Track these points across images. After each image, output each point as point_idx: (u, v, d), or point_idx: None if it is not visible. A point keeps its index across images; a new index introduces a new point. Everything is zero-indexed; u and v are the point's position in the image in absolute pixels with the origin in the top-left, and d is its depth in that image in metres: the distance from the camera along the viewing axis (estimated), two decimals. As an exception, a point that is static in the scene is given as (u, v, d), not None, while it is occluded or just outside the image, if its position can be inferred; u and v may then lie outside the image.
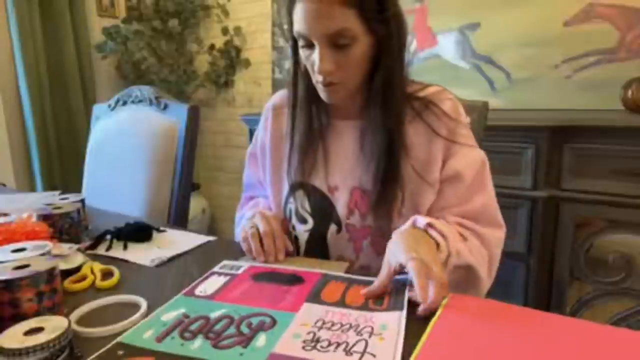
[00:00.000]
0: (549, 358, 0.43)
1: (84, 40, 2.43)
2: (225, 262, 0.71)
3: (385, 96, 0.71)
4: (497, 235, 0.74)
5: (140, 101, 1.34)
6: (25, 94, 2.20)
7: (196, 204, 2.58)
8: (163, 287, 0.64)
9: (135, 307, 0.57)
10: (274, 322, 0.51)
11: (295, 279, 0.63)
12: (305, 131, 0.79)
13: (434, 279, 0.53)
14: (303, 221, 0.82)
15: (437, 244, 0.62)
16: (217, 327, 0.50)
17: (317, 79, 0.70)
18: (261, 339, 0.48)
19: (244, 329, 0.50)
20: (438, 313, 0.51)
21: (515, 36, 1.77)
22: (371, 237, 0.76)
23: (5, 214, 0.88)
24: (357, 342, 0.47)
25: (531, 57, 1.75)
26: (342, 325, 0.50)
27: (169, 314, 0.54)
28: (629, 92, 1.43)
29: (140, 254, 0.77)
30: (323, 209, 0.80)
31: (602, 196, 1.32)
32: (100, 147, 1.39)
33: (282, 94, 0.88)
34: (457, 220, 0.72)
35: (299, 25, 0.66)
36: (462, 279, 0.67)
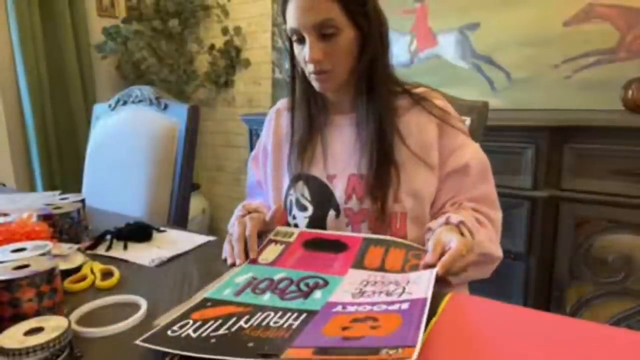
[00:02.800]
0: (549, 358, 0.43)
1: (84, 40, 2.43)
2: (278, 228, 0.80)
3: (372, 85, 0.79)
4: (500, 216, 0.82)
5: (140, 101, 1.34)
6: (25, 94, 2.20)
7: (196, 204, 2.58)
8: (163, 287, 0.64)
9: (135, 307, 0.57)
10: (326, 282, 0.62)
11: (340, 246, 0.72)
12: (304, 127, 0.85)
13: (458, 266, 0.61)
14: (303, 209, 0.85)
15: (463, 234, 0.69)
16: (281, 286, 0.61)
17: (309, 69, 0.77)
18: (318, 294, 0.59)
19: (303, 287, 0.61)
20: (438, 313, 0.51)
21: (515, 36, 1.77)
22: (368, 221, 0.79)
23: (5, 214, 0.88)
24: (395, 289, 0.57)
25: (531, 57, 1.75)
26: (383, 282, 0.60)
27: (240, 277, 0.65)
28: (629, 92, 1.43)
29: (140, 254, 0.77)
30: (322, 196, 0.84)
31: (602, 196, 1.32)
32: (100, 147, 1.39)
33: (284, 100, 0.95)
34: (472, 206, 0.78)
35: (290, 21, 0.75)
36: (480, 261, 0.73)
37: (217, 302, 0.57)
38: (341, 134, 0.84)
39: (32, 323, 0.46)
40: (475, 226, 0.72)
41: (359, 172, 0.81)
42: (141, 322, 0.54)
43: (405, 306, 0.51)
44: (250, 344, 0.46)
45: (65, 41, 2.33)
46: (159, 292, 0.63)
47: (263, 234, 0.82)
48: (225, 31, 2.56)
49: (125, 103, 1.38)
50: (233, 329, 0.49)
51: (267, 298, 0.58)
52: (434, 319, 0.50)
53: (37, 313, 0.51)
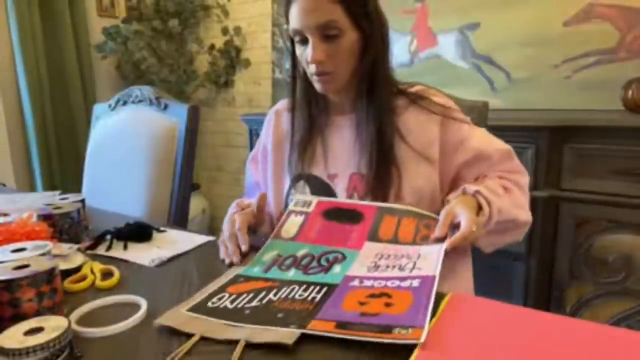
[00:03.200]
0: (549, 358, 0.43)
1: (84, 40, 2.43)
2: (297, 197, 0.82)
3: (372, 86, 0.79)
4: (527, 180, 0.82)
5: (140, 101, 1.34)
6: (25, 94, 2.20)
7: (196, 204, 2.58)
8: (163, 287, 0.64)
9: (135, 307, 0.57)
10: (344, 257, 0.67)
11: (356, 216, 0.75)
12: (305, 128, 0.86)
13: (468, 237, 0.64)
14: None
15: (480, 207, 0.70)
16: (304, 262, 0.67)
17: (311, 70, 0.77)
18: (337, 268, 0.65)
19: (323, 262, 0.67)
20: (438, 313, 0.51)
21: (515, 36, 1.77)
22: None
23: (5, 214, 0.88)
24: (407, 263, 0.62)
25: (531, 57, 1.75)
26: (396, 256, 0.65)
27: (267, 255, 0.71)
28: (629, 92, 1.43)
29: (140, 254, 0.77)
30: (324, 195, 0.84)
31: (602, 196, 1.32)
32: (100, 147, 1.39)
33: (284, 100, 0.95)
34: (498, 175, 0.79)
35: (294, 22, 0.75)
36: (507, 227, 0.75)
37: (248, 278, 0.64)
38: (341, 134, 0.85)
39: (32, 323, 0.46)
40: (496, 193, 0.73)
41: (359, 172, 0.81)
42: (141, 322, 0.54)
43: (415, 283, 0.57)
44: (280, 315, 0.53)
45: (65, 41, 2.33)
46: (159, 292, 0.63)
47: (256, 227, 0.84)
48: (225, 31, 2.57)
49: (125, 103, 1.38)
50: (264, 301, 0.57)
51: (292, 274, 0.64)
52: (434, 319, 0.50)
53: (37, 313, 0.51)
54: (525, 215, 0.77)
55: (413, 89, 0.83)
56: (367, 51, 0.77)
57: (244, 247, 0.72)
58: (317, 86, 0.80)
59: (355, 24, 0.75)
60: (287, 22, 0.78)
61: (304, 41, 0.76)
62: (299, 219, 0.77)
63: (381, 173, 0.78)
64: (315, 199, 0.80)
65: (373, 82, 0.79)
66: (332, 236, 0.73)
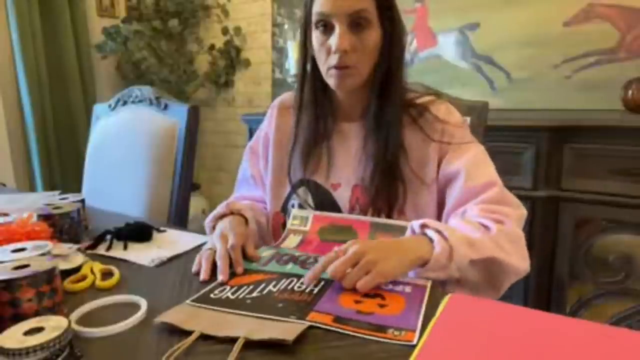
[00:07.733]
0: (549, 358, 0.43)
1: (84, 40, 2.44)
2: (294, 213, 0.83)
3: (385, 93, 0.77)
4: (520, 213, 0.76)
5: (140, 101, 1.34)
6: (25, 94, 2.21)
7: (196, 204, 2.58)
8: (163, 287, 0.64)
9: (135, 307, 0.57)
10: None
11: (351, 234, 0.77)
12: (310, 132, 0.83)
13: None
14: None
15: (431, 240, 0.64)
16: (301, 259, 0.70)
17: (330, 62, 0.74)
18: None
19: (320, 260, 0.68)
20: (438, 313, 0.51)
21: (515, 36, 1.77)
22: None
23: (5, 214, 0.88)
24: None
25: (531, 57, 1.75)
26: None
27: (266, 252, 0.73)
28: (629, 92, 1.43)
29: (140, 254, 0.77)
30: (326, 204, 0.83)
31: (602, 196, 1.32)
32: (100, 147, 1.39)
33: (289, 94, 0.92)
34: (480, 207, 0.71)
35: (322, 6, 0.72)
36: (487, 273, 0.67)
37: (247, 271, 0.66)
38: (348, 142, 0.83)
39: (32, 323, 0.46)
40: (459, 225, 0.67)
41: (363, 184, 0.79)
42: (141, 322, 0.54)
43: (408, 289, 0.59)
44: (280, 305, 0.55)
45: (65, 41, 2.33)
46: (159, 292, 0.63)
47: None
48: (225, 31, 2.57)
49: (125, 103, 1.38)
50: (264, 292, 0.59)
51: (290, 267, 0.67)
52: (434, 319, 0.50)
53: (37, 313, 0.51)
54: (514, 257, 0.68)
55: (421, 100, 0.80)
56: (386, 52, 0.76)
57: (239, 269, 0.66)
58: (332, 81, 0.76)
59: (380, 20, 0.74)
60: (309, 6, 0.75)
61: (327, 29, 0.73)
62: (297, 237, 0.80)
63: (385, 187, 0.77)
64: (311, 214, 0.81)
65: (385, 89, 0.77)
66: (328, 251, 0.74)
